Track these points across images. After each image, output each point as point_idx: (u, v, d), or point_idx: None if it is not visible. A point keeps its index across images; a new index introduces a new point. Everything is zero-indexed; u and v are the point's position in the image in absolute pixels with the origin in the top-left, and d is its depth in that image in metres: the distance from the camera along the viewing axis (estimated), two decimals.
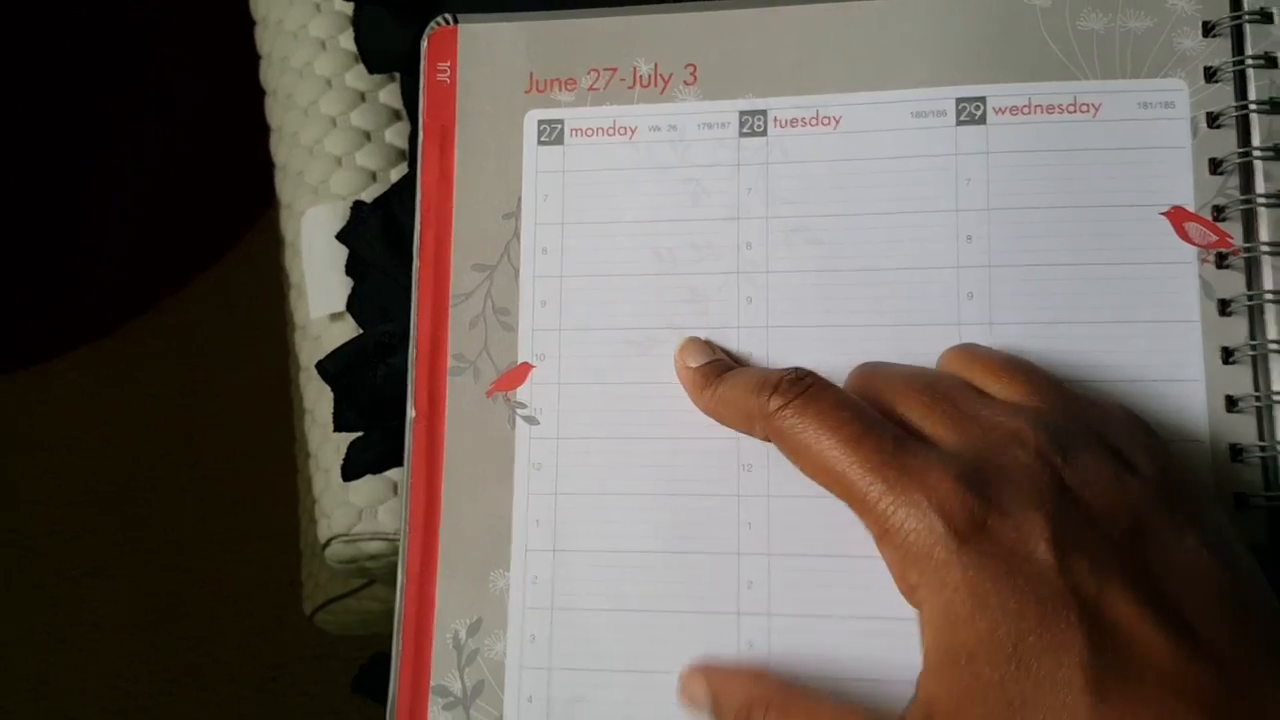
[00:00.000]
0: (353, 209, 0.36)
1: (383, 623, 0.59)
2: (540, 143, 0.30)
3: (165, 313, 0.99)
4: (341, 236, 0.36)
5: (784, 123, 0.29)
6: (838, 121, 0.29)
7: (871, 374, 0.26)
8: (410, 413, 0.30)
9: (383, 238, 0.34)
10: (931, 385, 0.25)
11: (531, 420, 0.29)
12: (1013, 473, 0.22)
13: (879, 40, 0.29)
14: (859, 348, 0.28)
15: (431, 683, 0.28)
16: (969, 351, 0.26)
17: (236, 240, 0.98)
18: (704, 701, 0.26)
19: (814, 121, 0.29)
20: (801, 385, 0.25)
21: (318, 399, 0.46)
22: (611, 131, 0.30)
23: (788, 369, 0.26)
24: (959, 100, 0.29)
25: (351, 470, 0.38)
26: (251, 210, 0.97)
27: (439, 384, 0.30)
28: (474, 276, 0.30)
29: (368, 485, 0.43)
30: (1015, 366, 0.25)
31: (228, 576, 0.92)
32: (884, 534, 0.23)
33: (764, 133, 0.30)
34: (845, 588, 0.27)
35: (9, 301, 1.00)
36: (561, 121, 0.30)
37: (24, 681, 0.91)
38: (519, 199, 0.30)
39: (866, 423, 0.23)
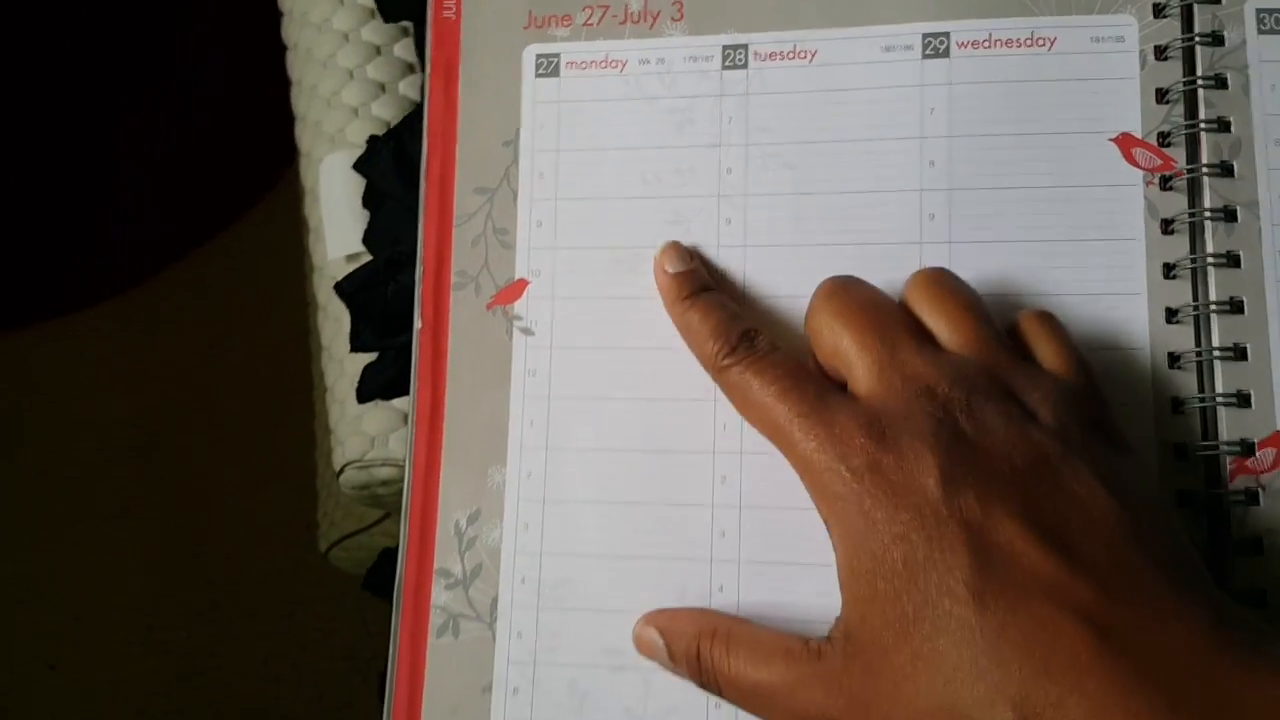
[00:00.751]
0: (368, 142, 0.39)
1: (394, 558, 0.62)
2: (538, 75, 0.33)
3: (190, 267, 1.02)
4: (358, 166, 0.39)
5: (764, 56, 0.32)
6: (813, 55, 0.31)
7: (830, 300, 0.28)
8: (417, 324, 0.32)
9: (395, 167, 0.36)
10: (875, 327, 0.27)
11: (527, 331, 0.32)
12: (915, 420, 0.25)
13: None
14: (829, 265, 0.30)
15: (435, 566, 0.31)
16: (932, 287, 0.28)
17: (258, 200, 1.02)
18: (659, 643, 0.28)
19: (791, 55, 0.32)
20: (749, 345, 0.28)
21: (334, 336, 0.49)
22: (604, 65, 0.33)
23: (744, 328, 0.28)
24: (925, 35, 0.31)
25: (366, 392, 0.41)
26: (272, 172, 1.00)
27: (443, 298, 0.32)
28: (476, 199, 0.33)
29: (379, 415, 0.46)
30: (965, 315, 0.27)
31: (247, 518, 0.96)
32: (803, 471, 0.26)
33: (745, 65, 0.32)
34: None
35: (43, 255, 1.04)
36: (558, 55, 0.33)
37: (52, 615, 0.95)
38: (518, 127, 0.33)
39: (795, 378, 0.27)
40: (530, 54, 0.33)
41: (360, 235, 0.42)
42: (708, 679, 0.27)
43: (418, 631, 0.31)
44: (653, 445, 0.30)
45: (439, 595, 0.31)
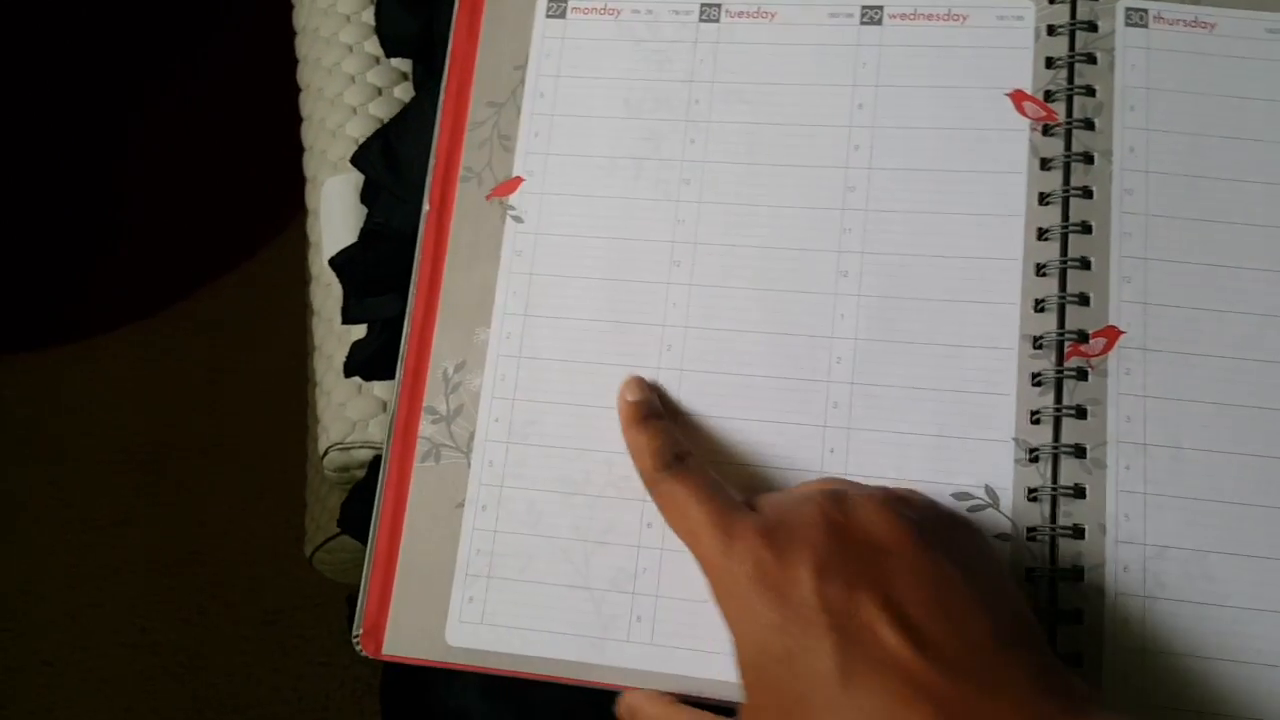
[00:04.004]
0: (363, 143, 0.46)
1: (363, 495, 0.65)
2: (548, 16, 0.40)
3: (199, 301, 1.11)
4: (353, 160, 0.47)
5: (734, 14, 0.39)
6: (774, 16, 0.38)
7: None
8: (425, 207, 0.39)
9: (382, 158, 0.44)
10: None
11: (518, 219, 0.38)
12: (797, 522, 0.29)
13: None
14: (773, 181, 0.37)
15: (424, 403, 0.37)
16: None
17: (266, 243, 1.11)
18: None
19: (756, 15, 0.39)
20: (680, 463, 0.33)
21: (325, 336, 0.55)
22: (602, 11, 0.39)
23: (680, 450, 0.33)
24: (864, 7, 0.38)
25: (352, 366, 0.47)
26: (279, 218, 1.09)
27: (450, 189, 0.39)
28: (487, 110, 0.39)
29: (361, 402, 0.51)
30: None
31: (238, 531, 1.02)
32: (706, 570, 0.30)
33: (717, 20, 0.39)
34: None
35: (62, 284, 1.12)
36: (566, 1, 0.40)
37: (50, 616, 1.00)
38: (528, 55, 0.39)
39: (711, 491, 0.31)
40: None
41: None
42: None
43: (405, 457, 0.37)
44: (612, 316, 0.37)
45: (425, 428, 0.37)
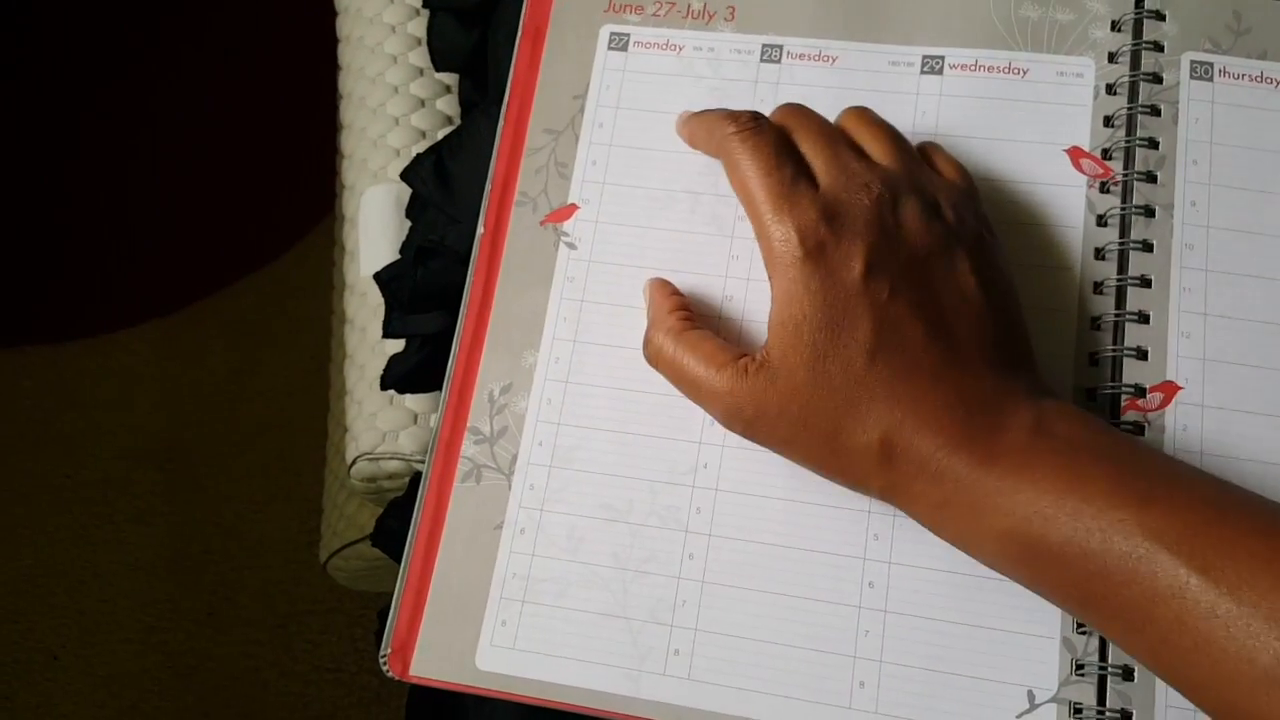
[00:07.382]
0: (414, 158, 0.46)
1: (387, 575, 0.64)
2: (610, 49, 0.40)
3: (224, 300, 1.11)
4: (404, 175, 0.47)
5: (795, 56, 0.39)
6: (835, 60, 0.39)
7: (792, 114, 0.35)
8: (479, 230, 0.39)
9: (434, 174, 0.44)
10: (825, 134, 0.34)
11: (571, 245, 0.38)
12: (856, 213, 0.32)
13: (874, 6, 0.39)
14: None
15: (468, 424, 0.37)
16: (862, 117, 0.36)
17: (292, 244, 1.12)
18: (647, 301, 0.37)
19: (818, 58, 0.39)
20: (754, 122, 0.34)
21: (358, 345, 0.55)
22: (664, 47, 0.40)
23: (755, 113, 0.35)
24: (924, 56, 0.38)
25: (390, 379, 0.47)
26: (307, 222, 1.10)
27: (505, 212, 0.39)
28: (544, 137, 0.39)
29: (392, 413, 0.51)
30: (887, 134, 0.35)
31: (253, 533, 1.02)
32: (762, 238, 0.33)
33: (779, 61, 0.39)
34: None
35: (83, 277, 1.12)
36: (628, 34, 0.40)
37: (61, 611, 1.00)
38: (588, 85, 0.40)
39: (781, 159, 0.33)
40: (605, 31, 0.40)
41: (391, 257, 0.49)
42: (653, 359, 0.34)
43: (445, 476, 0.36)
44: None
45: (468, 448, 0.36)
